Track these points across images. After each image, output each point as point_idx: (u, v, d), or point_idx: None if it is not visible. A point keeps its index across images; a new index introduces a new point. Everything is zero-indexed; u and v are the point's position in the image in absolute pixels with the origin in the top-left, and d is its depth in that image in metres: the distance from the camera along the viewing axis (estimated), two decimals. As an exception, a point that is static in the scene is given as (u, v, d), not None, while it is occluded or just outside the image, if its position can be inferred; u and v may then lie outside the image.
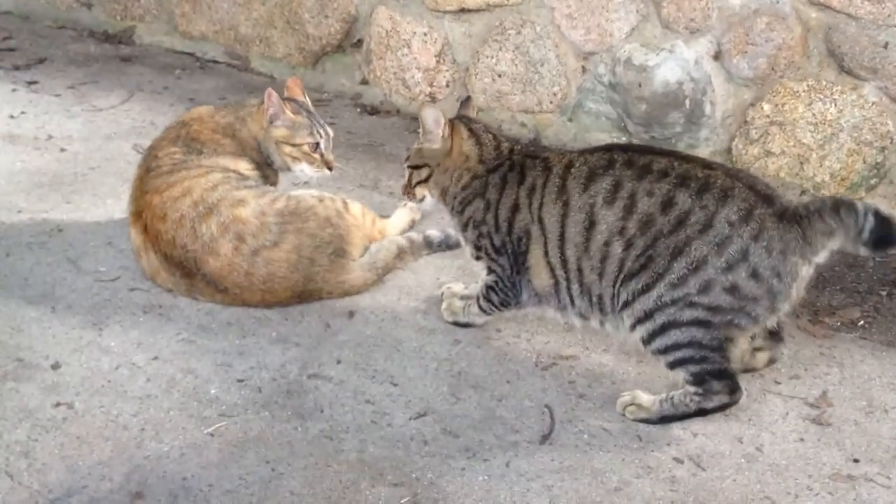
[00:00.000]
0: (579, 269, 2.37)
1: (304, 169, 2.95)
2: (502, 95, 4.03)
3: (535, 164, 2.49)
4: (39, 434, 2.15)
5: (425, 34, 4.13)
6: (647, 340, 2.27)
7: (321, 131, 2.96)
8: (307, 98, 3.10)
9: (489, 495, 2.06)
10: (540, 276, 2.45)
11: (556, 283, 2.43)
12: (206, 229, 2.62)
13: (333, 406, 2.31)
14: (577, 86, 3.88)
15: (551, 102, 3.95)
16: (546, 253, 2.42)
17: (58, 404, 2.25)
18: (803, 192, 3.47)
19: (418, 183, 2.62)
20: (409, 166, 2.65)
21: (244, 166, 2.89)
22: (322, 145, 2.95)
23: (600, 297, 2.35)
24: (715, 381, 2.26)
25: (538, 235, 2.42)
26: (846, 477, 2.18)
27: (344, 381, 2.40)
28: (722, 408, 2.29)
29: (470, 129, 2.60)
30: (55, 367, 2.38)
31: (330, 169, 2.98)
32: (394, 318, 2.68)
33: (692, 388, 2.27)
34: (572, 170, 2.39)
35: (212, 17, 4.69)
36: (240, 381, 2.37)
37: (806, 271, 2.23)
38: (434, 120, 2.53)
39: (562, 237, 2.37)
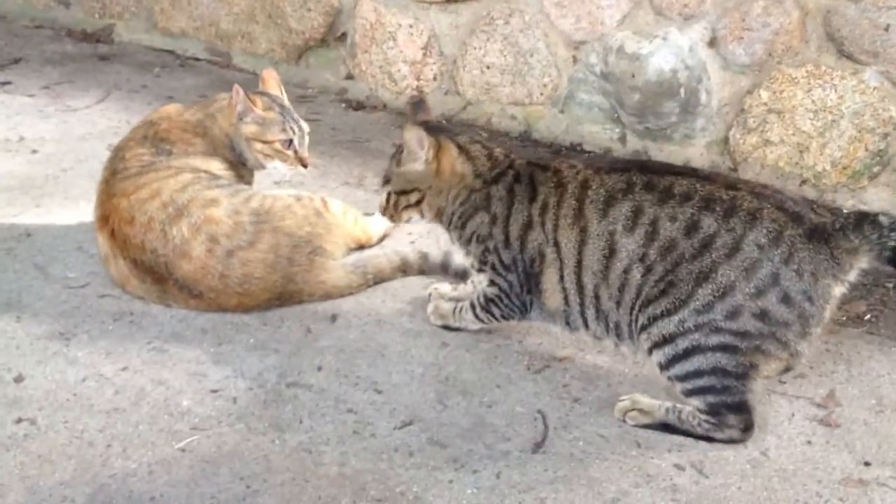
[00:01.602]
0: (596, 296, 2.23)
1: (277, 166, 2.83)
2: (491, 88, 3.91)
3: (547, 178, 2.32)
4: (-1, 452, 2.02)
5: (411, 26, 4.00)
6: (667, 365, 2.13)
7: (294, 127, 2.83)
8: (283, 91, 2.98)
9: (479, 509, 1.94)
10: (554, 299, 2.31)
11: (569, 307, 2.30)
12: (177, 231, 2.49)
13: (313, 416, 2.18)
14: (569, 76, 3.76)
15: (542, 94, 3.83)
16: (561, 278, 2.28)
17: (19, 420, 2.12)
18: (803, 182, 3.35)
19: (407, 207, 2.46)
20: (393, 192, 2.46)
21: (216, 166, 2.76)
22: (295, 142, 2.82)
23: (617, 324, 2.23)
24: (731, 415, 2.13)
25: (553, 259, 2.28)
26: (857, 481, 2.06)
27: (325, 389, 2.28)
28: (730, 442, 2.15)
29: (459, 146, 2.41)
30: (18, 379, 2.25)
31: (304, 166, 2.85)
32: (378, 321, 2.55)
33: (705, 416, 2.14)
34: (589, 192, 2.23)
35: (192, 14, 4.56)
36: (214, 391, 2.24)
37: (838, 291, 2.09)
38: (418, 141, 2.35)
39: (579, 264, 2.24)
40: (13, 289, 2.60)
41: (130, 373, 2.29)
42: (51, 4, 4.98)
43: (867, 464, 2.11)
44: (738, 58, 3.40)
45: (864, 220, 2.03)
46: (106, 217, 2.58)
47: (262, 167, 2.85)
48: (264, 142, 2.79)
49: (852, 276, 2.07)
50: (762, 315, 2.04)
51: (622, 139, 3.72)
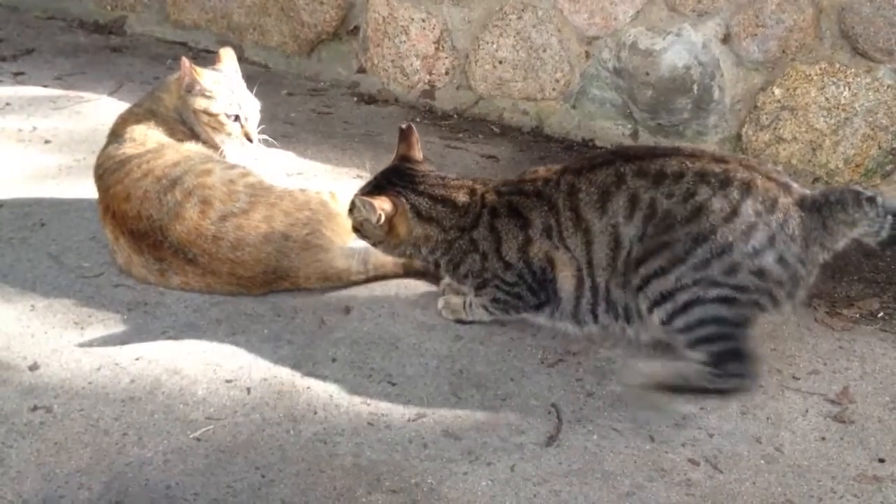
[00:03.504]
0: (607, 289, 2.28)
1: (224, 140, 2.86)
2: (503, 83, 3.90)
3: (534, 203, 2.31)
4: (15, 440, 2.02)
5: (423, 20, 4.00)
6: (668, 320, 2.17)
7: (241, 102, 2.86)
8: (239, 71, 3.00)
9: (493, 502, 1.93)
10: (569, 299, 2.34)
11: (580, 304, 2.33)
12: (171, 197, 2.53)
13: (328, 407, 2.18)
14: (581, 72, 3.75)
15: (554, 89, 3.82)
16: (576, 278, 2.30)
17: (35, 408, 2.12)
18: (816, 180, 3.34)
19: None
20: (352, 227, 2.46)
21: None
22: (242, 117, 2.85)
23: (626, 307, 2.27)
24: (734, 363, 2.16)
25: (567, 259, 2.29)
26: (872, 478, 2.05)
27: (339, 380, 2.28)
28: (735, 390, 2.20)
29: (418, 212, 2.37)
30: (33, 368, 2.25)
31: (250, 141, 2.88)
32: (391, 313, 2.55)
33: (709, 369, 2.17)
34: (581, 195, 2.25)
35: (204, 5, 4.56)
36: (228, 381, 2.24)
37: (822, 259, 2.22)
38: (367, 211, 2.33)
39: (590, 264, 2.27)
40: (27, 278, 2.60)
41: (145, 362, 2.29)
42: (63, -5, 4.99)
43: (881, 460, 2.11)
44: (751, 54, 3.39)
45: (862, 196, 2.13)
46: (107, 206, 2.62)
47: (215, 144, 2.86)
48: (210, 114, 2.82)
49: (839, 245, 2.19)
50: (759, 272, 2.13)
51: (634, 135, 3.71)
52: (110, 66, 4.28)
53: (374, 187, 2.42)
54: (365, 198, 2.33)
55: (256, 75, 4.09)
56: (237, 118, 2.86)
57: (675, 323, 2.16)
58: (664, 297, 2.15)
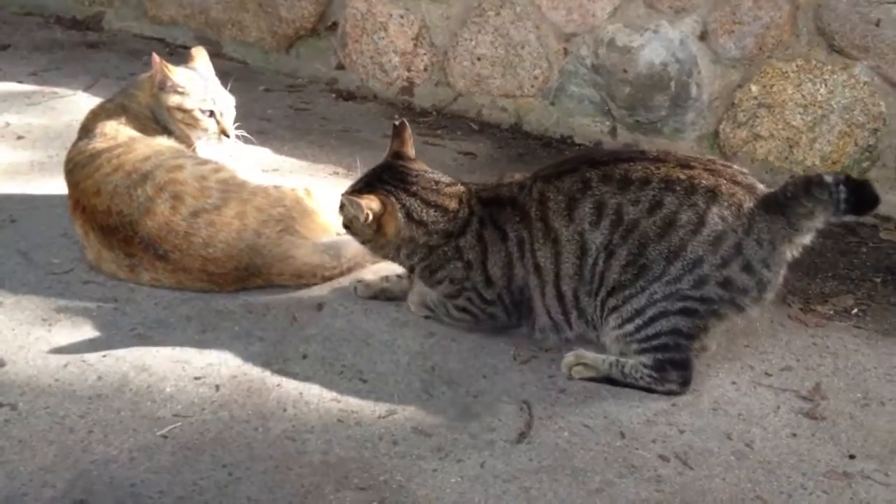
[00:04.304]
0: (576, 298, 2.28)
1: (200, 136, 2.84)
2: (482, 79, 3.90)
3: (507, 214, 2.30)
4: (-21, 438, 2.00)
5: (402, 16, 3.98)
6: (633, 333, 2.20)
7: (216, 97, 2.84)
8: (212, 69, 2.98)
9: (462, 498, 1.92)
10: (542, 316, 2.36)
11: (554, 318, 2.34)
12: (142, 192, 2.51)
13: (297, 404, 2.17)
14: (560, 69, 3.75)
15: (532, 86, 3.81)
16: (543, 295, 2.31)
17: (0, 405, 2.09)
18: (793, 177, 3.35)
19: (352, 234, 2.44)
20: (342, 224, 2.42)
21: None
22: (217, 112, 2.83)
23: (592, 315, 2.29)
24: (673, 371, 2.23)
25: (536, 283, 2.30)
26: (842, 474, 2.05)
27: (310, 377, 2.26)
28: (668, 394, 2.25)
29: (408, 214, 2.32)
30: (-1, 365, 2.23)
31: (227, 136, 2.86)
32: (364, 310, 2.54)
33: (648, 371, 2.23)
34: (550, 204, 2.25)
35: (181, 1, 4.54)
36: (197, 378, 2.22)
37: (790, 255, 2.21)
38: (355, 209, 2.29)
39: (557, 276, 2.27)
40: (-4, 274, 2.58)
41: (113, 359, 2.27)
42: (40, -9, 4.95)
43: (852, 457, 2.11)
44: (728, 51, 3.39)
45: (810, 183, 2.11)
46: (76, 201, 2.60)
47: (190, 141, 2.84)
48: (184, 110, 2.80)
49: (807, 238, 2.19)
50: (725, 283, 2.15)
51: (612, 132, 3.71)
52: (86, 62, 4.25)
53: (366, 184, 2.38)
54: (353, 196, 2.30)
55: (234, 71, 4.06)
56: (212, 114, 2.83)
57: (638, 334, 2.20)
58: (637, 313, 2.18)
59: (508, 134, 3.82)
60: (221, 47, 4.46)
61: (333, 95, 4.12)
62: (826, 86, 3.25)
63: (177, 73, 2.80)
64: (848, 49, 3.18)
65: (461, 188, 2.40)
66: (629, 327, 2.20)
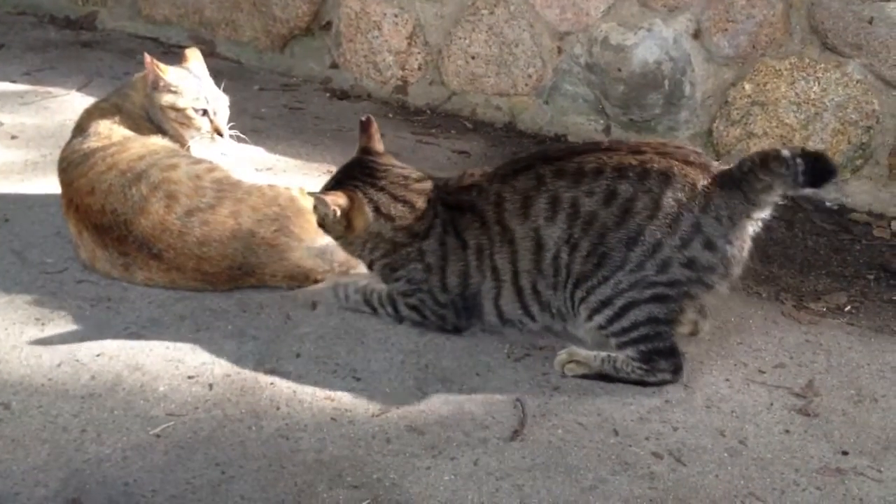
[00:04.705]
0: (535, 291, 2.29)
1: (193, 136, 2.83)
2: (476, 78, 3.90)
3: (467, 221, 2.31)
4: (-29, 437, 2.00)
5: (396, 15, 3.98)
6: (605, 325, 2.22)
7: (209, 96, 2.84)
8: (206, 68, 2.97)
9: (455, 496, 1.92)
10: (491, 315, 2.38)
11: (510, 315, 2.36)
12: (136, 191, 2.51)
13: (291, 403, 2.17)
14: (554, 67, 3.75)
15: (527, 85, 3.82)
16: (498, 296, 2.33)
17: (-7, 404, 2.10)
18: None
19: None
20: (317, 222, 2.42)
21: None
22: (210, 111, 2.83)
23: (559, 308, 2.30)
24: (662, 360, 2.24)
25: (491, 286, 2.32)
26: (835, 470, 2.06)
27: (303, 375, 2.26)
28: (662, 384, 2.26)
29: (376, 207, 2.33)
30: (-8, 365, 2.22)
31: (220, 135, 2.86)
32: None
33: (637, 364, 2.24)
34: (506, 205, 2.26)
35: (176, 1, 4.53)
36: (190, 377, 2.22)
37: (752, 230, 2.22)
38: (322, 206, 2.31)
39: (515, 274, 2.29)
40: (-11, 274, 2.57)
41: (106, 358, 2.26)
42: (34, -10, 4.94)
43: (845, 453, 2.11)
44: (722, 50, 3.40)
45: (768, 157, 2.12)
46: (70, 200, 2.59)
47: (184, 140, 2.84)
48: (177, 109, 2.80)
49: (766, 212, 2.21)
50: (689, 263, 2.16)
51: (606, 130, 3.71)
52: (80, 62, 4.24)
53: (336, 182, 2.40)
54: (319, 194, 2.32)
55: (228, 71, 4.07)
56: (205, 113, 2.83)
57: (611, 327, 2.22)
58: (604, 304, 2.20)
59: (503, 132, 3.82)
60: (215, 47, 4.45)
61: (328, 94, 4.12)
62: (819, 84, 3.25)
63: (169, 73, 2.80)
64: (841, 47, 3.19)
65: (429, 185, 2.40)
66: (599, 318, 2.21)
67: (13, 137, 3.41)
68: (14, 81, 3.96)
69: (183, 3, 4.51)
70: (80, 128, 2.79)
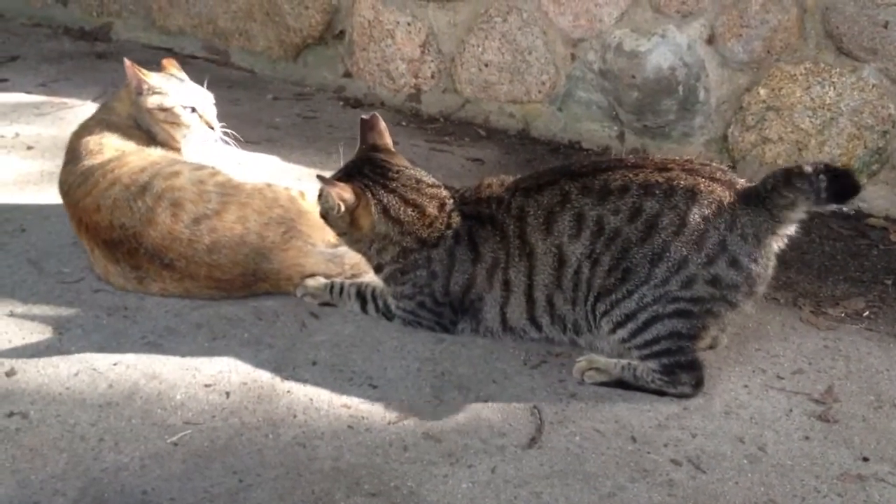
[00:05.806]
0: (550, 304, 2.29)
1: (185, 135, 2.83)
2: (489, 86, 3.90)
3: (487, 234, 2.29)
4: (-10, 446, 2.00)
5: (409, 24, 3.99)
6: (628, 339, 2.21)
7: (194, 94, 2.86)
8: (184, 73, 2.99)
9: (473, 504, 1.92)
10: (495, 322, 2.38)
11: (514, 324, 2.36)
12: (142, 203, 2.51)
13: (308, 411, 2.16)
14: (567, 74, 3.75)
15: (540, 92, 3.82)
16: (506, 304, 2.33)
17: (11, 413, 2.10)
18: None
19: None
20: (320, 213, 2.41)
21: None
22: (199, 108, 2.84)
23: (575, 322, 2.29)
24: (684, 374, 2.23)
25: (499, 295, 2.32)
26: (855, 477, 2.04)
27: (319, 383, 2.26)
28: (681, 397, 2.25)
29: (385, 210, 2.31)
30: (10, 373, 2.23)
31: (212, 129, 2.86)
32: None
33: (659, 375, 2.23)
34: (529, 219, 2.25)
35: (189, 11, 4.56)
36: (207, 386, 2.22)
37: (777, 247, 2.21)
38: (332, 196, 2.28)
39: (530, 287, 2.28)
40: (7, 284, 2.58)
41: (123, 367, 2.27)
42: (49, 2, 4.98)
43: (865, 459, 2.09)
44: (736, 55, 3.39)
45: (790, 174, 2.10)
46: (79, 220, 2.60)
47: (175, 143, 2.84)
48: (165, 109, 2.80)
49: (791, 229, 2.19)
50: (714, 281, 2.14)
51: (620, 137, 3.70)
52: (95, 73, 4.27)
53: (345, 174, 2.37)
54: (328, 186, 2.28)
55: (242, 80, 4.10)
56: (194, 110, 2.83)
57: (634, 340, 2.21)
58: (627, 318, 2.19)
59: (516, 140, 3.82)
60: (229, 56, 4.48)
61: (341, 103, 4.13)
62: (834, 88, 3.24)
63: (151, 77, 2.82)
64: (856, 51, 3.18)
65: (444, 192, 2.38)
66: (622, 332, 2.21)
67: (29, 148, 3.44)
68: (29, 92, 3.99)
69: (197, 13, 4.53)
70: (72, 150, 2.78)
